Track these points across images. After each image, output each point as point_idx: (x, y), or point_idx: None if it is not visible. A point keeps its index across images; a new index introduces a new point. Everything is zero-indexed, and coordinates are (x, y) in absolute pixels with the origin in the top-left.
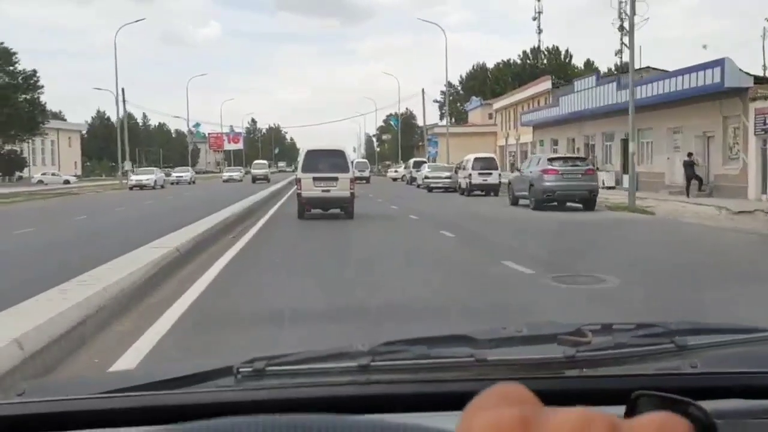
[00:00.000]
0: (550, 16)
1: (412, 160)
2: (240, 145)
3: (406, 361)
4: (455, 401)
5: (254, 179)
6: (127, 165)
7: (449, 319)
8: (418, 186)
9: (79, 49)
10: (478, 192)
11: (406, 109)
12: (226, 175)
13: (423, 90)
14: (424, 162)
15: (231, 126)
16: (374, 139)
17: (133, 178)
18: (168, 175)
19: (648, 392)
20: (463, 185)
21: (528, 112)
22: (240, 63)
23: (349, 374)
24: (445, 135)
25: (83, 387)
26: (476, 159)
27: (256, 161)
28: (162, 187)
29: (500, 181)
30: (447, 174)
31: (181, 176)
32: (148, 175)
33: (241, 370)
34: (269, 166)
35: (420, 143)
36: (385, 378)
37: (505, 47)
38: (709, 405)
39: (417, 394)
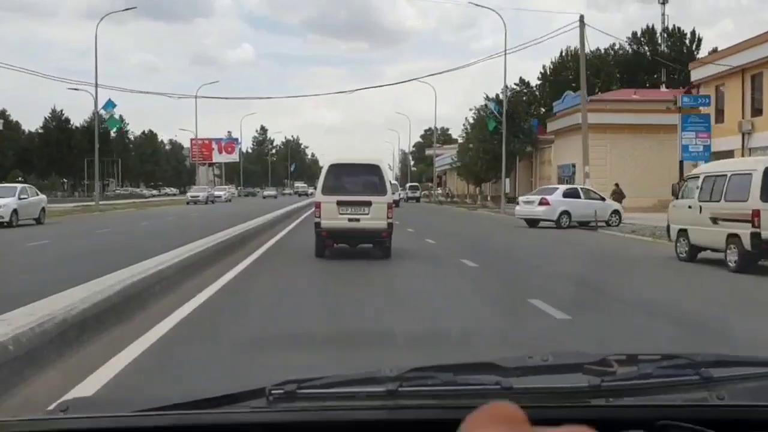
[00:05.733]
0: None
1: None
2: (235, 156)
3: (433, 387)
4: None
5: None
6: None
7: None
8: None
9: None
10: None
11: (506, 86)
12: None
13: (582, 16)
14: None
15: (228, 132)
16: (410, 157)
17: None
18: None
19: (674, 423)
20: None
21: None
22: (266, 84)
23: (377, 399)
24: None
25: (124, 405)
26: None
27: None
28: None
29: None
30: None
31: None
32: None
33: (273, 392)
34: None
35: (529, 148)
36: (412, 403)
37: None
38: None
39: (442, 420)
